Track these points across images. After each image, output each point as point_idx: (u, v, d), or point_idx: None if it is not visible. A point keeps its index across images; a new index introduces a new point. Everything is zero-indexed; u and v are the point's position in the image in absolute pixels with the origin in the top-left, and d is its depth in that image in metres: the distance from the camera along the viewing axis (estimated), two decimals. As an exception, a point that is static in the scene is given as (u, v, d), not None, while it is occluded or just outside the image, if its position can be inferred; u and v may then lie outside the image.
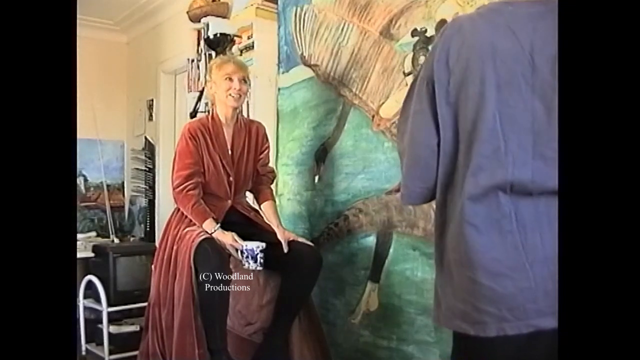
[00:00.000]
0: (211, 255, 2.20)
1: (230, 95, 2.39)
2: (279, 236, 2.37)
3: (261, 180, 2.57)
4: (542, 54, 1.05)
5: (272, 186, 2.65)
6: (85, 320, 3.39)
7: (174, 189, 2.37)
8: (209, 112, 2.67)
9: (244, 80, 2.42)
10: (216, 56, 3.07)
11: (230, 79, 2.39)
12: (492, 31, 1.08)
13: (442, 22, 2.20)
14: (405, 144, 1.16)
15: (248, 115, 2.98)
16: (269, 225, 2.46)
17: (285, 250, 2.34)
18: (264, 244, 2.27)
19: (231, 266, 2.31)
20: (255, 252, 2.25)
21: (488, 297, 1.02)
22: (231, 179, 2.43)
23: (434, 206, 1.19)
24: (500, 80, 1.04)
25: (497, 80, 1.04)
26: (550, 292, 0.99)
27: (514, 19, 1.08)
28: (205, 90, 2.61)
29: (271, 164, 2.68)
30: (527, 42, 1.05)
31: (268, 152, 2.60)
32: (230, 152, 2.45)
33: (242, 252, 2.26)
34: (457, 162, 1.08)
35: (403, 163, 1.18)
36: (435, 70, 1.10)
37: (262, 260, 2.26)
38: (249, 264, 2.26)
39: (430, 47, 2.21)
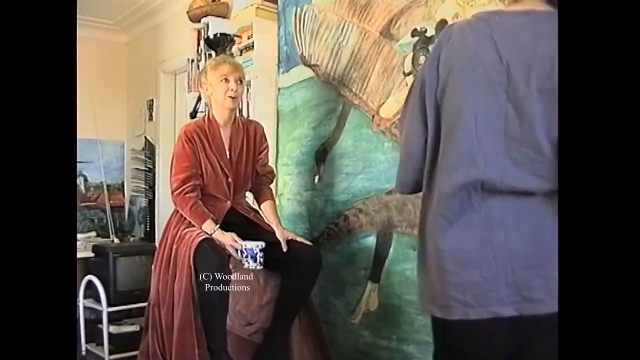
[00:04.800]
0: (211, 256, 2.20)
1: (227, 96, 2.39)
2: (278, 235, 2.37)
3: (261, 181, 2.57)
4: (518, 64, 1.12)
5: (272, 186, 2.65)
6: (85, 320, 3.39)
7: (172, 192, 2.37)
8: (206, 113, 2.66)
9: (240, 81, 2.42)
10: (216, 56, 3.07)
11: (227, 80, 2.38)
12: (477, 41, 1.16)
13: (442, 22, 2.20)
14: (402, 140, 1.28)
15: (248, 116, 2.98)
16: (269, 225, 2.46)
17: (285, 250, 2.34)
18: (263, 243, 2.27)
19: (231, 266, 2.31)
20: (255, 252, 2.25)
21: (455, 284, 1.12)
22: (230, 180, 2.43)
23: None
24: (479, 88, 1.13)
25: (476, 87, 1.13)
26: (510, 284, 1.08)
27: (498, 30, 1.16)
28: (200, 92, 2.60)
29: (271, 164, 2.68)
30: (505, 52, 1.13)
31: (267, 151, 2.59)
32: (228, 153, 2.45)
33: (241, 251, 2.26)
34: (438, 160, 1.17)
35: (400, 156, 1.30)
36: (426, 74, 1.19)
37: (262, 260, 2.26)
38: (249, 263, 2.26)
39: (430, 47, 2.21)
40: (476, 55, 1.14)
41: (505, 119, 1.11)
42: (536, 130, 1.10)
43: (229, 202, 2.44)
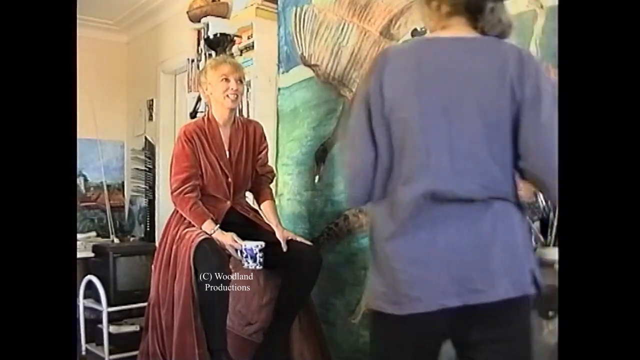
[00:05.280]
0: (211, 256, 2.20)
1: (227, 96, 2.39)
2: (278, 235, 2.37)
3: (260, 180, 2.57)
4: (460, 85, 1.25)
5: (272, 186, 2.65)
6: (85, 320, 3.38)
7: (172, 193, 2.37)
8: (205, 113, 2.66)
9: (240, 80, 2.42)
10: (216, 56, 3.07)
11: (227, 80, 2.38)
12: (416, 64, 1.29)
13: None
14: (345, 158, 1.39)
15: (248, 116, 2.98)
16: (269, 225, 2.46)
17: (285, 250, 2.34)
18: (263, 243, 2.28)
19: (231, 266, 2.31)
20: (255, 252, 2.25)
21: (405, 282, 1.23)
22: (230, 180, 2.43)
23: None
24: (423, 107, 1.25)
25: (420, 107, 1.25)
26: (454, 278, 1.20)
27: (438, 56, 1.29)
28: (200, 92, 2.60)
29: (271, 164, 2.68)
30: (446, 76, 1.26)
31: (266, 151, 2.59)
32: (227, 153, 2.45)
33: (241, 251, 2.26)
34: (392, 173, 1.29)
35: (345, 172, 1.40)
36: (371, 97, 1.29)
37: (261, 260, 2.26)
38: (249, 263, 2.26)
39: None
40: (416, 78, 1.27)
41: (449, 136, 1.23)
42: (479, 145, 1.22)
43: (228, 202, 2.44)
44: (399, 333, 1.28)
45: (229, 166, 2.43)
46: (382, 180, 1.30)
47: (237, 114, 2.59)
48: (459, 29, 1.30)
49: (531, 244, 1.36)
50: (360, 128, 1.31)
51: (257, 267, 2.28)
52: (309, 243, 2.45)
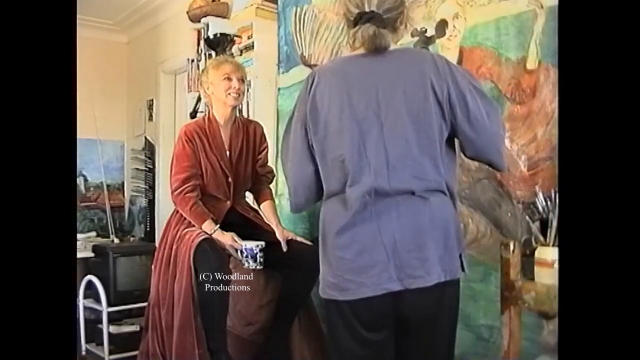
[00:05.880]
0: (211, 256, 2.20)
1: (229, 94, 2.39)
2: (278, 235, 2.37)
3: (260, 180, 2.57)
4: (385, 93, 1.40)
5: (272, 186, 2.65)
6: (85, 320, 3.38)
7: (172, 192, 2.37)
8: (206, 113, 2.66)
9: (242, 80, 2.43)
10: (216, 56, 3.07)
11: (229, 79, 2.39)
12: (343, 79, 1.45)
13: (442, 22, 2.20)
14: (288, 171, 1.56)
15: (248, 116, 2.98)
16: (269, 225, 2.46)
17: (285, 250, 2.34)
18: (263, 243, 2.28)
19: (231, 266, 2.31)
20: (255, 252, 2.25)
21: (353, 270, 1.39)
22: (230, 180, 2.43)
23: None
24: (357, 117, 1.40)
25: (354, 117, 1.40)
26: (397, 265, 1.36)
27: (362, 69, 1.44)
28: (200, 92, 2.60)
29: (271, 164, 2.68)
30: (373, 85, 1.41)
31: (267, 151, 2.59)
32: (228, 153, 2.45)
33: (241, 251, 2.26)
34: (332, 179, 1.44)
35: (288, 184, 1.56)
36: (308, 115, 1.46)
37: (261, 260, 2.26)
38: (249, 263, 2.26)
39: (430, 48, 2.21)
40: (347, 92, 1.42)
41: (383, 139, 1.39)
42: (409, 143, 1.38)
43: (228, 202, 2.44)
44: (349, 316, 1.42)
45: (229, 166, 2.43)
46: (328, 185, 1.46)
47: (237, 114, 2.59)
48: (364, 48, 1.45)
49: (460, 229, 1.52)
50: (300, 145, 1.48)
51: (258, 267, 2.28)
52: (309, 243, 2.45)
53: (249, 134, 2.52)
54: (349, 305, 1.41)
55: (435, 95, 1.38)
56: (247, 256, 2.25)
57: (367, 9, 1.42)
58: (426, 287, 1.37)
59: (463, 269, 1.46)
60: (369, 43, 1.42)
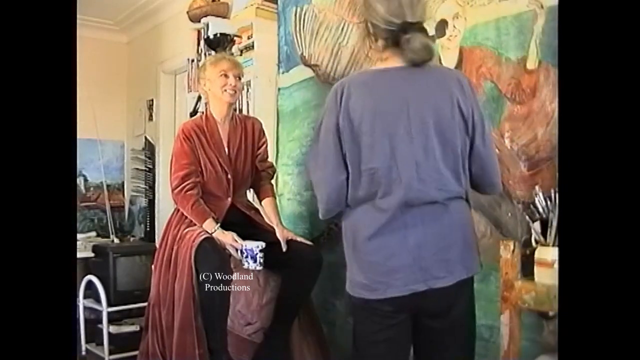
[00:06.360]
0: (212, 255, 2.20)
1: (226, 91, 2.39)
2: (278, 234, 2.37)
3: (261, 177, 2.56)
4: (416, 109, 1.46)
5: (273, 181, 2.64)
6: (85, 320, 3.38)
7: (172, 191, 2.37)
8: (203, 111, 2.66)
9: (239, 77, 2.44)
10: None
11: (226, 76, 2.40)
12: (378, 94, 1.49)
13: (442, 22, 2.20)
14: (318, 179, 1.59)
15: (247, 114, 2.98)
16: (270, 225, 2.45)
17: (284, 249, 2.34)
18: (263, 244, 2.27)
19: (232, 266, 2.30)
20: (255, 252, 2.25)
21: (382, 272, 1.48)
22: (229, 177, 2.43)
23: None
24: (389, 131, 1.46)
25: (386, 131, 1.46)
26: (423, 267, 1.46)
27: (393, 83, 1.50)
28: (198, 89, 2.61)
29: (270, 161, 2.68)
30: (404, 100, 1.47)
31: (266, 146, 2.58)
32: (226, 150, 2.45)
33: (241, 251, 2.26)
34: (361, 188, 1.50)
35: (318, 192, 1.60)
36: (341, 125, 1.49)
37: (261, 260, 2.26)
38: (249, 263, 2.26)
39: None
40: (377, 106, 1.47)
41: (413, 154, 1.46)
42: (436, 157, 1.46)
43: (229, 200, 2.43)
44: (374, 309, 1.52)
45: (228, 163, 2.43)
46: (355, 193, 1.52)
47: (235, 112, 2.59)
48: (396, 61, 1.50)
49: (475, 230, 1.62)
50: (333, 154, 1.52)
51: (257, 268, 2.27)
52: (309, 243, 2.45)
53: (247, 130, 2.51)
54: (377, 301, 1.51)
55: (461, 113, 1.47)
56: (247, 256, 2.25)
57: (410, 20, 1.44)
58: (448, 286, 1.47)
59: (480, 265, 1.56)
60: (421, 54, 1.45)
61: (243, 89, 2.69)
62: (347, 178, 1.53)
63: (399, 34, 1.45)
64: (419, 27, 1.46)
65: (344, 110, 1.49)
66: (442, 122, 1.46)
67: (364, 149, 1.48)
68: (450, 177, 1.48)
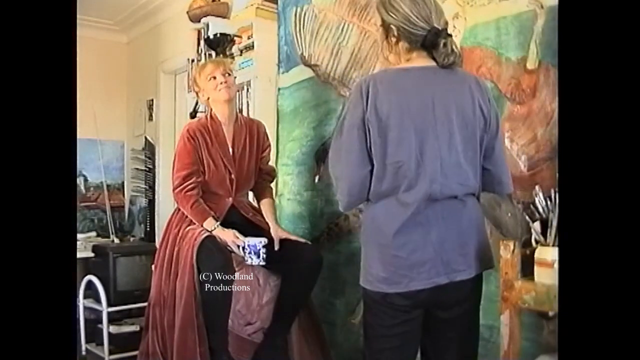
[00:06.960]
0: (214, 254, 2.20)
1: (219, 90, 2.40)
2: (272, 233, 2.38)
3: (262, 179, 2.58)
4: (441, 106, 1.53)
5: (272, 185, 2.66)
6: (85, 320, 3.38)
7: (173, 190, 2.38)
8: (207, 112, 2.67)
9: (227, 73, 2.45)
10: (216, 56, 3.08)
11: (214, 77, 2.42)
12: (404, 92, 1.54)
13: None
14: (340, 173, 1.62)
15: (248, 115, 2.98)
16: (268, 226, 2.46)
17: (277, 248, 2.34)
18: (266, 240, 2.29)
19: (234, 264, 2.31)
20: (258, 247, 2.26)
21: (407, 266, 1.53)
22: (233, 176, 2.43)
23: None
24: (415, 127, 1.51)
25: (413, 127, 1.51)
26: (444, 261, 1.52)
27: (419, 82, 1.56)
28: (200, 101, 2.64)
29: (271, 164, 2.69)
30: (429, 98, 1.53)
31: (269, 150, 2.61)
32: (231, 149, 2.46)
33: (244, 248, 2.27)
34: (385, 182, 1.54)
35: (340, 185, 1.63)
36: (368, 119, 1.53)
37: (264, 255, 2.27)
38: (252, 259, 2.26)
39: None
40: (406, 102, 1.52)
41: (439, 149, 1.52)
42: (459, 152, 1.53)
43: (230, 199, 2.44)
44: (393, 307, 1.56)
45: (232, 162, 2.44)
46: (378, 187, 1.55)
47: (239, 113, 2.60)
48: (423, 61, 1.57)
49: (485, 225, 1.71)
50: (358, 148, 1.55)
51: (260, 263, 2.28)
52: (304, 241, 2.45)
53: (252, 132, 2.53)
54: (396, 295, 1.55)
55: (481, 111, 1.56)
56: (250, 252, 2.26)
57: (436, 25, 1.53)
58: (468, 279, 1.55)
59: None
60: (453, 57, 1.54)
61: (241, 87, 2.69)
62: (370, 172, 1.56)
63: (428, 37, 1.53)
64: (448, 33, 1.55)
65: (371, 105, 1.53)
66: (464, 119, 1.54)
67: (391, 143, 1.52)
68: (470, 172, 1.55)
